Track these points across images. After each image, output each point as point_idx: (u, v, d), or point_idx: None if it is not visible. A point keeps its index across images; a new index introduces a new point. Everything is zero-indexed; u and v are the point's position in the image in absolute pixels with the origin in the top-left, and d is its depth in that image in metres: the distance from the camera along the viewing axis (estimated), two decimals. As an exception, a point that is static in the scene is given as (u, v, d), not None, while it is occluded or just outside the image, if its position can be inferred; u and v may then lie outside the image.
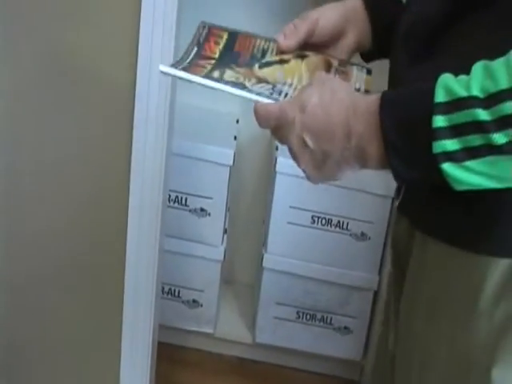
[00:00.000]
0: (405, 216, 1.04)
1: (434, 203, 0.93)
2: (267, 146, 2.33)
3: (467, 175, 0.78)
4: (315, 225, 2.10)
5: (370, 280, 2.13)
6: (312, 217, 2.09)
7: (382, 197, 2.05)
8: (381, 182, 2.03)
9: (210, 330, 2.28)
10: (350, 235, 2.10)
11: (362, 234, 2.09)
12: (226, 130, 2.21)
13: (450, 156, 0.77)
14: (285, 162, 2.04)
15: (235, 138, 2.15)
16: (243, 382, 2.23)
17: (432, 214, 0.94)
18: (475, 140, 0.75)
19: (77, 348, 1.81)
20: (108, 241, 1.69)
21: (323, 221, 2.09)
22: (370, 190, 2.03)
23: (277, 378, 2.27)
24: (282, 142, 0.89)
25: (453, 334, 0.93)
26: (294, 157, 0.88)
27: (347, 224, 2.09)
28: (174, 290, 2.24)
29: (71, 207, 1.68)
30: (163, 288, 2.19)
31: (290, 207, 2.09)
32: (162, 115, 1.57)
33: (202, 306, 2.26)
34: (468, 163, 0.77)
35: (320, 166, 0.87)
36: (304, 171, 0.89)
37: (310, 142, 0.85)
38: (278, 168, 2.05)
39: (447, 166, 0.77)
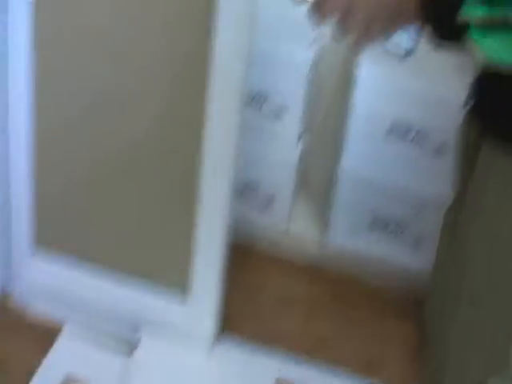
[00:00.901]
0: (475, 120, 1.03)
1: (506, 108, 0.92)
2: (348, 51, 2.28)
3: (489, 42, 0.80)
4: (393, 135, 2.07)
5: (444, 194, 2.11)
6: (391, 126, 2.06)
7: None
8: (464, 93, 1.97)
9: (282, 232, 2.31)
10: (428, 148, 2.07)
11: (441, 146, 2.05)
12: (307, 32, 2.17)
13: (477, 21, 0.80)
14: (365, 68, 2.00)
15: (315, 40, 2.11)
16: (313, 284, 2.26)
17: (503, 119, 0.93)
18: (503, 12, 0.78)
19: (148, 249, 1.85)
20: (184, 140, 1.71)
21: (402, 130, 2.06)
22: (454, 99, 1.98)
23: (346, 284, 2.29)
24: (325, 12, 0.89)
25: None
26: (340, 24, 0.90)
27: (426, 135, 2.05)
28: (250, 189, 2.26)
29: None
30: (238, 187, 2.21)
31: (369, 114, 2.07)
32: (245, 13, 1.55)
33: (275, 207, 2.29)
34: (490, 32, 0.80)
35: (365, 27, 0.89)
36: (348, 36, 0.90)
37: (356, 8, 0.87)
38: (358, 73, 2.02)
39: (472, 30, 0.81)
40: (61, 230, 1.89)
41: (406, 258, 2.24)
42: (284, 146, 2.20)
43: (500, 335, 0.99)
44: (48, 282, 1.92)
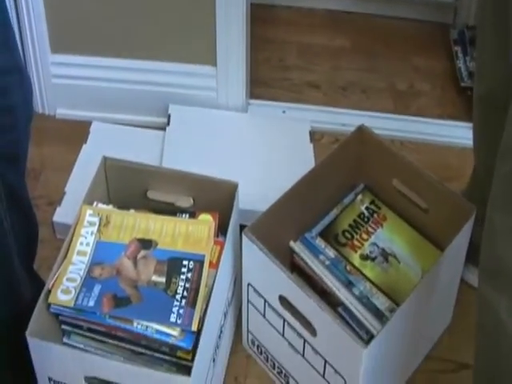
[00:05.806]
0: None
1: None
2: None
3: None
4: None
5: None
6: None
7: None
8: None
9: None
10: None
11: None
12: None
13: None
14: None
15: None
16: (337, 35, 2.24)
17: None
18: None
19: (172, 9, 1.83)
20: None
21: None
22: None
23: (370, 27, 2.27)
24: None
25: None
26: None
27: None
28: None
29: None
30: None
31: None
32: None
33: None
34: None
35: None
36: None
37: None
38: None
39: None
40: (80, 31, 1.88)
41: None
42: None
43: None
44: (74, 82, 1.94)
